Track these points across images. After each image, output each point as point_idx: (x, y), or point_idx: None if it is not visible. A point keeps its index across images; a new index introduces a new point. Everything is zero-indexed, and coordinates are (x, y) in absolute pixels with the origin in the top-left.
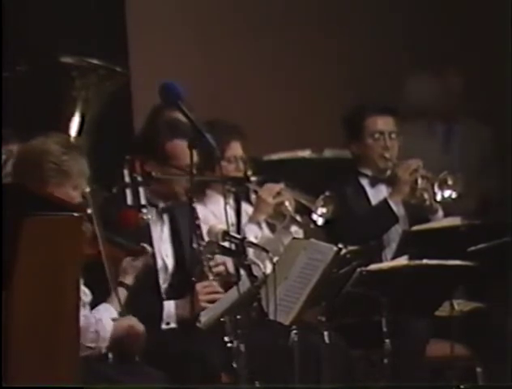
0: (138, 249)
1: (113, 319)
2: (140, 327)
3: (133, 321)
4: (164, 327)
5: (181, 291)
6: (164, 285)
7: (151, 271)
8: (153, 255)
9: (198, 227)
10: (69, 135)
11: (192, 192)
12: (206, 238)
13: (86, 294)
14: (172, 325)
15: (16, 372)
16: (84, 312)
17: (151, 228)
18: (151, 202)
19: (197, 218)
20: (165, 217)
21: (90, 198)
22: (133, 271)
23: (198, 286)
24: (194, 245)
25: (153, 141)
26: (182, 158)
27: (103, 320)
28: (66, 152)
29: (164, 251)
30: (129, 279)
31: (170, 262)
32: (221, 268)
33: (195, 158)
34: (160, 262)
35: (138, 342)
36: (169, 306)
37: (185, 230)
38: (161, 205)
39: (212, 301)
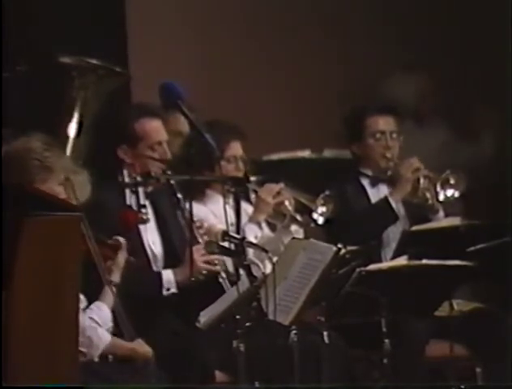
0: (115, 243)
1: (114, 335)
2: (146, 349)
3: (138, 344)
4: (165, 293)
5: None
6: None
7: (133, 266)
8: (128, 248)
9: (178, 202)
10: (67, 135)
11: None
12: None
13: (81, 301)
14: (173, 290)
15: (16, 372)
16: (89, 314)
17: (147, 220)
18: (132, 190)
19: (177, 198)
20: (147, 203)
21: (74, 194)
22: (117, 269)
23: (193, 249)
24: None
25: (122, 125)
26: (152, 136)
27: (98, 329)
28: (48, 149)
29: (151, 239)
30: (115, 277)
31: (158, 250)
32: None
33: (167, 137)
34: (148, 251)
35: (144, 363)
36: (168, 274)
37: (169, 212)
38: (141, 190)
39: (208, 263)
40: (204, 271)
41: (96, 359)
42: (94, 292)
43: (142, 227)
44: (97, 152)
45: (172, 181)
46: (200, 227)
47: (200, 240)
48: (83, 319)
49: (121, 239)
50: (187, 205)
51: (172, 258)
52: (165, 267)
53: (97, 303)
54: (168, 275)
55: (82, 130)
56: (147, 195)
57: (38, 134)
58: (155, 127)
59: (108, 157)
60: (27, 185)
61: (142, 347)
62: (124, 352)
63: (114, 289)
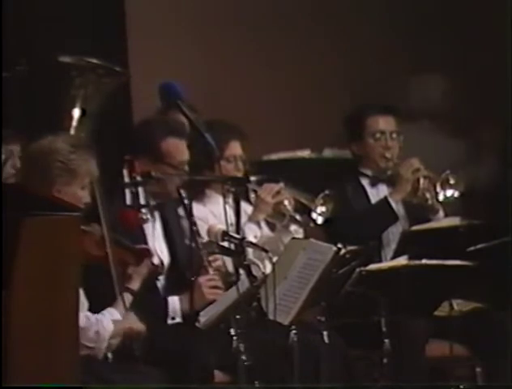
0: (142, 250)
1: (114, 321)
2: (140, 326)
3: (132, 321)
4: (169, 322)
5: (179, 286)
6: (161, 281)
7: (155, 275)
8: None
9: (194, 223)
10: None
11: (184, 189)
12: (204, 235)
13: (82, 303)
14: (178, 319)
15: (16, 372)
16: (85, 313)
17: (143, 226)
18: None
19: (191, 214)
20: (156, 215)
21: (99, 198)
22: (138, 277)
23: (201, 279)
24: (187, 242)
25: (147, 139)
26: (176, 156)
27: (104, 321)
28: (74, 151)
29: (159, 248)
30: (134, 285)
31: (166, 259)
32: (220, 263)
33: (188, 156)
34: (155, 259)
35: (138, 341)
36: (174, 302)
37: (175, 226)
38: (152, 203)
39: (215, 290)
40: (212, 299)
41: (104, 350)
42: (109, 298)
43: (150, 236)
44: (99, 152)
45: (186, 201)
46: (214, 260)
47: (210, 271)
48: (90, 316)
49: (150, 247)
50: (192, 212)
51: (178, 272)
52: (169, 280)
53: (110, 309)
54: (173, 303)
55: (82, 129)
56: (156, 207)
57: (66, 134)
58: (180, 148)
59: (118, 163)
60: (45, 187)
61: (136, 323)
62: (122, 331)
63: (130, 296)
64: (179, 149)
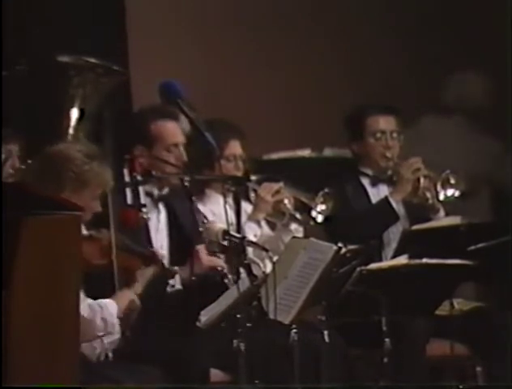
0: (149, 254)
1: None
2: (137, 300)
3: (132, 295)
4: (169, 290)
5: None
6: None
7: (160, 280)
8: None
9: (197, 210)
10: (66, 133)
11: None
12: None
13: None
14: (178, 287)
15: (16, 372)
16: (88, 301)
17: (147, 219)
18: (145, 191)
19: (191, 201)
20: (161, 206)
21: (111, 204)
22: (142, 280)
23: (200, 247)
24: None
25: (138, 125)
26: (168, 138)
27: (108, 306)
28: (89, 162)
29: (160, 242)
30: (137, 288)
31: (165, 254)
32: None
33: (182, 138)
34: (165, 261)
35: (134, 316)
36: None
37: (184, 216)
38: (156, 193)
39: (214, 265)
40: (209, 265)
41: (118, 335)
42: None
43: (153, 228)
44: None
45: (186, 184)
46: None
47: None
48: (94, 304)
49: (158, 251)
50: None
51: (179, 261)
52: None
53: (109, 300)
54: None
55: (82, 128)
56: (161, 198)
57: (82, 143)
58: (171, 129)
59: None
60: (54, 192)
61: (135, 297)
62: (124, 305)
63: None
64: (170, 131)
